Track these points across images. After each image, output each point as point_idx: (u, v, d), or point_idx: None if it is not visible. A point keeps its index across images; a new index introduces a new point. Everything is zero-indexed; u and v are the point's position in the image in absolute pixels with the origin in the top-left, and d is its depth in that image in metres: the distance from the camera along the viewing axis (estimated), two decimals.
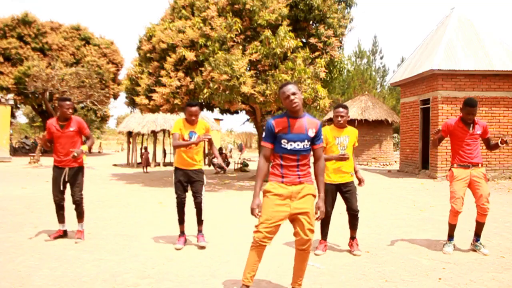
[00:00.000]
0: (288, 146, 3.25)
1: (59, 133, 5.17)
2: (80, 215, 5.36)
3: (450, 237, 4.98)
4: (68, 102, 5.15)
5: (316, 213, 3.31)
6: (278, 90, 3.34)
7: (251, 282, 3.37)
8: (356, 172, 4.94)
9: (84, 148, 5.26)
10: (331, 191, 4.77)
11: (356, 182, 4.89)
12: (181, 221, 5.15)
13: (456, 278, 3.99)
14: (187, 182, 5.10)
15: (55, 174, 5.25)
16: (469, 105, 4.72)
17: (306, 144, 3.29)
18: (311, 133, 3.29)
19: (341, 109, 4.75)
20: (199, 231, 5.16)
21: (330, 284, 3.83)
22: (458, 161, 4.90)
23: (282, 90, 3.27)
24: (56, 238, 5.30)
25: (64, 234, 5.39)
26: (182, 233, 5.17)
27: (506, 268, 4.31)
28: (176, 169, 5.13)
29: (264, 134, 3.30)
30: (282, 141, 3.25)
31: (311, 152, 3.40)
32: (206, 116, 23.15)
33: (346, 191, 4.77)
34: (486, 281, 3.90)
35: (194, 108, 4.95)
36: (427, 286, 3.80)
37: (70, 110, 5.19)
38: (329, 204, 4.79)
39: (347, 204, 4.83)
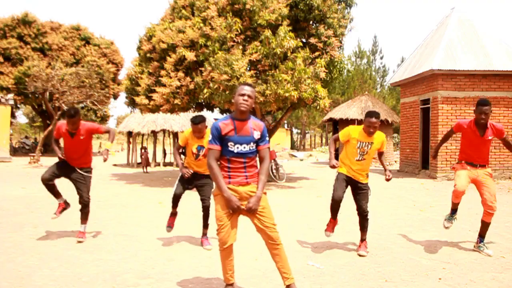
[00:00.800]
0: (235, 149, 3.25)
1: (69, 139, 5.15)
2: (85, 216, 5.32)
3: (453, 211, 4.95)
4: (75, 118, 5.00)
5: (248, 206, 3.22)
6: (238, 85, 3.34)
7: (233, 279, 3.45)
8: (385, 169, 4.92)
9: (108, 145, 5.32)
10: (344, 180, 4.71)
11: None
12: (175, 206, 5.18)
13: (456, 278, 3.99)
14: (192, 182, 5.10)
15: (63, 162, 5.20)
16: (481, 104, 4.65)
17: (252, 146, 3.29)
18: (257, 135, 3.29)
19: (374, 120, 4.52)
20: (204, 234, 5.13)
21: (330, 284, 3.82)
22: (466, 159, 4.89)
23: (242, 87, 3.26)
24: (61, 212, 5.38)
25: (66, 205, 5.44)
26: (173, 214, 5.21)
27: (506, 268, 4.31)
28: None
29: (210, 137, 3.25)
30: (229, 144, 3.24)
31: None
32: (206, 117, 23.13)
33: (360, 191, 4.74)
34: (486, 281, 3.90)
35: (199, 126, 4.92)
36: (427, 286, 3.79)
37: (77, 125, 5.09)
38: (342, 189, 4.71)
39: (357, 204, 4.78)
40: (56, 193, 5.35)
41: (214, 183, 5.10)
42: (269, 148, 3.40)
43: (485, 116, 4.63)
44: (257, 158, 3.41)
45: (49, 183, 5.20)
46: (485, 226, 4.86)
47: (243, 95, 3.22)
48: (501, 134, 4.82)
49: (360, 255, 4.69)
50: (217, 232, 3.33)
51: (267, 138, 3.38)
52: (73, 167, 5.23)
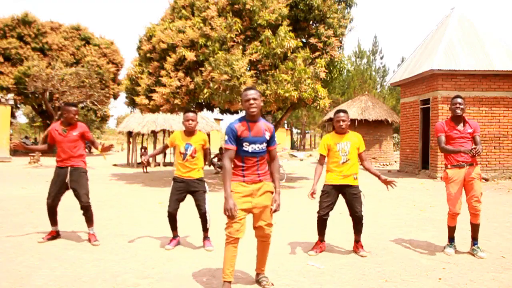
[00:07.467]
0: (250, 149, 3.50)
1: (61, 137, 5.13)
2: (89, 220, 5.24)
3: (451, 239, 4.93)
4: (74, 108, 5.12)
5: (271, 205, 3.57)
6: (242, 92, 3.58)
7: (231, 278, 3.49)
8: (378, 176, 4.74)
9: (98, 152, 5.33)
10: (331, 193, 4.72)
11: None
12: (173, 228, 5.13)
13: (456, 278, 3.99)
14: (185, 192, 5.03)
15: (56, 174, 5.19)
16: (454, 97, 4.89)
17: (264, 146, 3.58)
18: (267, 136, 3.58)
19: (341, 114, 4.69)
20: (206, 237, 5.12)
21: (330, 284, 3.83)
22: (452, 161, 4.84)
23: (245, 93, 3.50)
24: (49, 239, 5.24)
25: (57, 235, 5.34)
26: (174, 236, 5.15)
27: (506, 268, 4.31)
28: (175, 178, 5.07)
29: (226, 137, 3.47)
30: (244, 144, 3.48)
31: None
32: (206, 117, 23.15)
33: (351, 195, 4.68)
34: (486, 281, 3.90)
35: (190, 115, 4.88)
36: (427, 286, 3.80)
37: (76, 116, 5.17)
38: (326, 205, 4.73)
39: (351, 209, 4.71)
40: (53, 220, 5.29)
41: (207, 187, 5.12)
42: (276, 149, 3.69)
43: (459, 109, 4.81)
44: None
45: (52, 209, 5.24)
46: (475, 228, 4.78)
47: (248, 100, 3.47)
48: (475, 132, 4.84)
49: (362, 256, 4.67)
50: (225, 226, 3.46)
51: (276, 140, 3.68)
52: (66, 174, 5.12)
